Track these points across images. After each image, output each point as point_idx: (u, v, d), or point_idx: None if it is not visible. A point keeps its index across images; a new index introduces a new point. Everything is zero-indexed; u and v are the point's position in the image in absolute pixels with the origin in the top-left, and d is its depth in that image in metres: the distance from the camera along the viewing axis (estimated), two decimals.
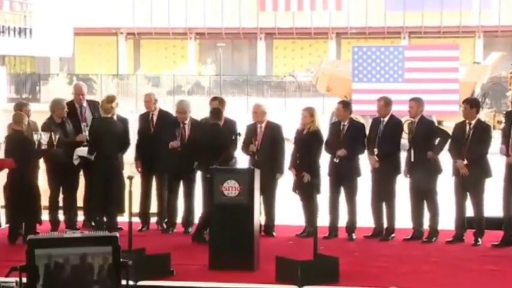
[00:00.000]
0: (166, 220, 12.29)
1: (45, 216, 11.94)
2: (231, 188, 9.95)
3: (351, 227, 11.77)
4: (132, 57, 60.08)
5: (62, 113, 11.96)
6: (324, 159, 11.81)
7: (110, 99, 12.08)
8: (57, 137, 11.33)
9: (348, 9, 55.42)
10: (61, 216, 12.20)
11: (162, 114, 12.33)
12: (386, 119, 11.70)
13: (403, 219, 11.76)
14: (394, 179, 11.65)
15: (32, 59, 52.95)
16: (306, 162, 11.69)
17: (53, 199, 12.09)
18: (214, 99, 12.40)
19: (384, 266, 10.22)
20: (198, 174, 11.98)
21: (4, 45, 33.45)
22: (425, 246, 11.30)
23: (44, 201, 11.91)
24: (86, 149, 11.94)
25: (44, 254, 6.52)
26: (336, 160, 11.68)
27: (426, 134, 11.49)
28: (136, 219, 11.87)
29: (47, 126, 11.69)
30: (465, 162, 11.17)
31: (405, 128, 11.81)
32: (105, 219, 11.97)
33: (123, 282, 6.78)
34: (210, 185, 10.21)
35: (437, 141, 11.53)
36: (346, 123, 11.80)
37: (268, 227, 11.90)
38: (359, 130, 11.86)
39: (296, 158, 11.83)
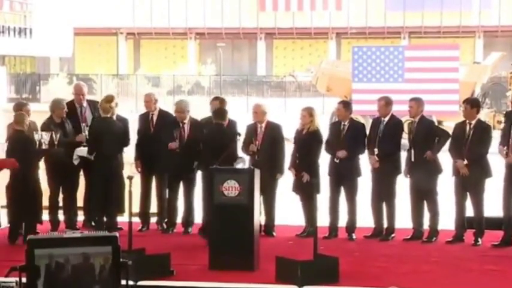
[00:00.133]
0: (166, 220, 12.29)
1: (45, 216, 11.94)
2: (231, 188, 9.95)
3: (351, 227, 11.77)
4: (132, 57, 60.08)
5: (62, 113, 11.96)
6: (324, 159, 11.81)
7: (109, 99, 12.08)
8: (58, 136, 11.33)
9: (348, 9, 55.42)
10: (61, 216, 12.20)
11: (162, 114, 12.32)
12: (386, 118, 11.70)
13: (403, 219, 11.76)
14: (394, 179, 11.64)
15: (32, 59, 52.95)
16: (305, 162, 11.69)
17: (53, 199, 12.09)
18: (215, 99, 12.40)
19: (384, 266, 10.22)
20: (199, 174, 11.98)
21: (4, 45, 33.42)
22: (425, 246, 11.30)
23: (44, 201, 11.90)
24: (85, 149, 11.94)
25: (44, 254, 6.52)
26: (337, 160, 11.68)
27: (426, 134, 11.49)
28: (136, 219, 11.87)
29: (47, 126, 11.69)
30: (465, 162, 11.16)
31: (405, 128, 11.81)
32: (105, 219, 11.97)
33: (123, 282, 6.77)
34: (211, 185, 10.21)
35: (437, 140, 11.53)
36: (346, 123, 11.80)
37: (268, 227, 11.90)
38: (359, 130, 11.86)
39: (296, 158, 11.83)
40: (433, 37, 52.65)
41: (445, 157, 11.57)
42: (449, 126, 12.93)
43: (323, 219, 11.24)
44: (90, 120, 12.23)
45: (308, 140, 11.65)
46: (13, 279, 7.05)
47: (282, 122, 12.13)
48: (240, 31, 57.28)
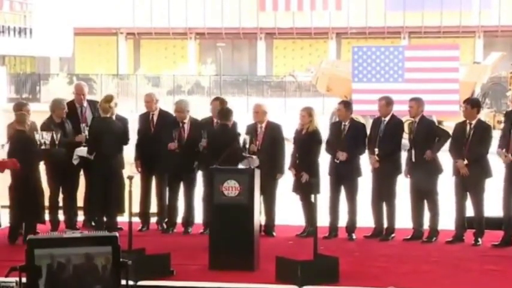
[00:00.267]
0: (166, 220, 12.29)
1: (45, 216, 11.93)
2: (231, 188, 9.94)
3: (351, 227, 11.77)
4: (132, 57, 60.09)
5: (62, 113, 11.96)
6: (324, 159, 11.80)
7: (108, 99, 12.08)
8: (58, 136, 11.33)
9: (348, 9, 55.44)
10: (61, 216, 12.20)
11: (162, 114, 12.32)
12: (387, 118, 11.70)
13: (403, 219, 11.76)
14: (395, 179, 11.64)
15: (32, 59, 52.96)
16: (305, 162, 11.69)
17: (53, 199, 12.08)
18: (216, 99, 12.41)
19: (384, 266, 10.22)
20: (199, 174, 11.98)
21: (4, 45, 33.42)
22: (425, 246, 11.30)
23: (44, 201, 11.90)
24: (85, 149, 11.93)
25: (45, 254, 6.52)
26: (337, 161, 11.68)
27: (427, 134, 11.49)
28: (136, 219, 11.87)
29: (47, 126, 11.69)
30: (465, 162, 11.16)
31: (406, 128, 11.81)
32: (105, 219, 11.97)
33: (123, 282, 6.77)
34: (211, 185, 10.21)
35: (437, 140, 11.53)
36: (347, 123, 11.79)
37: (268, 227, 11.89)
38: (360, 130, 11.85)
39: (295, 158, 11.83)
40: (433, 37, 52.66)
41: (445, 157, 11.57)
42: (449, 126, 12.93)
43: (323, 219, 11.24)
44: (90, 120, 12.23)
45: (307, 140, 11.65)
46: (13, 279, 7.04)
47: (282, 122, 12.13)
48: (240, 31, 57.28)
